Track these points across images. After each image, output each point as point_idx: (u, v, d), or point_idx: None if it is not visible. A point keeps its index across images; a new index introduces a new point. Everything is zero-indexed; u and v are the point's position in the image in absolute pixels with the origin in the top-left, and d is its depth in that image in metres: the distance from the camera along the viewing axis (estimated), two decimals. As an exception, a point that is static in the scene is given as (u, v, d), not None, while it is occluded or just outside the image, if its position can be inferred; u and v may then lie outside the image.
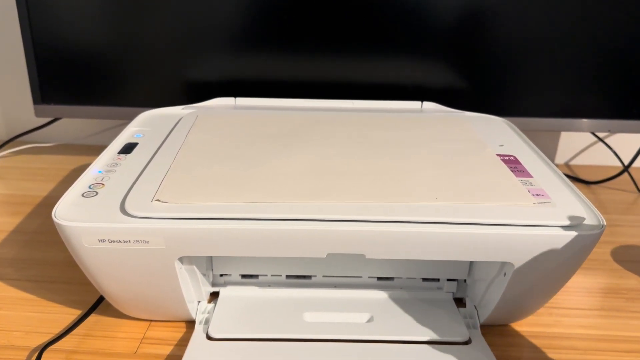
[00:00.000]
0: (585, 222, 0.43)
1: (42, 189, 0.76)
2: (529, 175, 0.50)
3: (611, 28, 0.70)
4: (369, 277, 0.53)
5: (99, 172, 0.50)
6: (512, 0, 0.69)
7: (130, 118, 0.73)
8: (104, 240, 0.42)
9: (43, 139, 0.92)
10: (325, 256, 0.43)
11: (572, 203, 0.45)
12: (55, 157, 0.87)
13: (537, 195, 0.46)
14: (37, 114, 0.76)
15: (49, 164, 0.85)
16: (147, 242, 0.42)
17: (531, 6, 0.69)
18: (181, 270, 0.45)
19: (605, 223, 0.43)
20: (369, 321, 0.49)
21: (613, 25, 0.70)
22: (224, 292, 0.52)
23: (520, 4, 0.69)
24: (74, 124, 0.91)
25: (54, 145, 0.91)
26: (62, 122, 0.91)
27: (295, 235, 0.42)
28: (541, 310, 0.54)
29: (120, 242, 0.42)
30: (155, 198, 0.44)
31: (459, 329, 0.48)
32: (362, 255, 0.43)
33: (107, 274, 0.44)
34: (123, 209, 0.43)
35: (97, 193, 0.46)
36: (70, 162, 0.85)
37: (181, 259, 0.45)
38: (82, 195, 0.46)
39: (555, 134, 0.89)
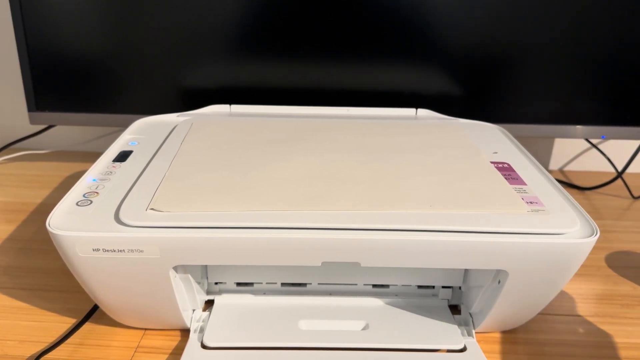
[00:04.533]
0: (578, 229, 0.43)
1: (37, 196, 0.76)
2: (523, 183, 0.50)
3: (605, 35, 0.70)
4: (364, 284, 0.53)
5: (94, 180, 0.50)
6: (506, 8, 0.69)
7: (125, 125, 0.73)
8: (98, 250, 0.42)
9: (38, 146, 0.92)
10: (320, 264, 0.43)
11: (566, 210, 0.45)
12: (50, 164, 0.87)
13: (530, 202, 0.46)
14: (32, 121, 0.76)
15: (43, 171, 0.84)
16: (142, 251, 0.41)
17: (525, 14, 0.69)
18: (176, 279, 0.45)
19: (598, 230, 0.43)
20: (364, 329, 0.49)
21: (607, 32, 0.70)
22: (218, 300, 0.52)
23: (514, 12, 0.69)
24: (69, 131, 0.91)
25: (49, 152, 0.91)
26: (56, 129, 0.91)
27: (290, 244, 0.42)
28: (536, 317, 0.54)
29: (114, 251, 0.42)
30: (150, 207, 0.44)
31: (454, 336, 0.49)
32: (357, 264, 0.43)
33: (101, 283, 0.44)
34: (117, 218, 0.43)
35: (91, 202, 0.46)
36: (65, 169, 0.85)
37: (175, 268, 0.44)
38: (77, 204, 0.45)
39: (549, 141, 0.90)
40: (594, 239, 0.43)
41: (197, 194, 0.46)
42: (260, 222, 0.42)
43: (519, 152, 0.58)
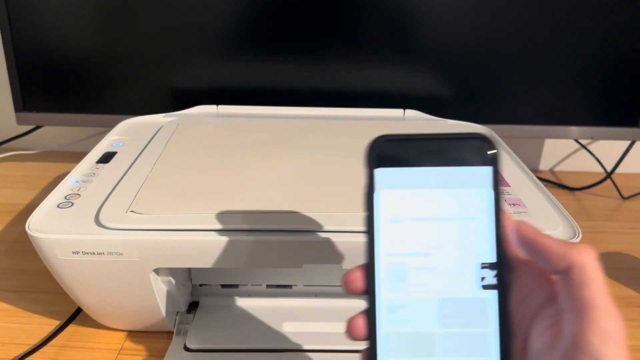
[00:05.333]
0: (560, 231, 0.43)
1: (24, 197, 0.76)
2: (506, 185, 0.50)
3: (595, 36, 0.70)
4: (349, 286, 0.53)
5: (76, 182, 0.49)
6: (495, 9, 0.69)
7: (113, 125, 0.73)
8: (77, 252, 0.41)
9: (25, 147, 0.91)
10: (301, 267, 0.43)
11: (549, 212, 0.45)
12: (38, 164, 0.86)
13: (513, 204, 0.46)
14: (19, 121, 0.76)
15: (31, 171, 0.84)
16: (121, 254, 0.41)
17: (515, 15, 0.69)
18: (157, 282, 0.45)
19: (580, 232, 0.43)
20: (348, 331, 0.49)
21: (597, 33, 0.70)
22: (203, 302, 0.52)
23: (503, 12, 0.69)
24: (57, 131, 0.91)
25: (37, 153, 0.90)
26: (44, 129, 0.90)
27: (270, 247, 0.42)
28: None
29: (94, 254, 0.41)
30: (130, 209, 0.43)
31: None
32: (339, 266, 0.43)
33: (82, 285, 0.44)
34: (97, 221, 0.43)
35: (72, 204, 0.45)
36: (53, 169, 0.85)
37: (157, 271, 0.44)
38: (58, 206, 0.45)
39: (539, 141, 0.89)
40: (575, 241, 0.42)
41: (179, 196, 0.45)
42: (240, 225, 0.42)
43: (504, 153, 0.58)
